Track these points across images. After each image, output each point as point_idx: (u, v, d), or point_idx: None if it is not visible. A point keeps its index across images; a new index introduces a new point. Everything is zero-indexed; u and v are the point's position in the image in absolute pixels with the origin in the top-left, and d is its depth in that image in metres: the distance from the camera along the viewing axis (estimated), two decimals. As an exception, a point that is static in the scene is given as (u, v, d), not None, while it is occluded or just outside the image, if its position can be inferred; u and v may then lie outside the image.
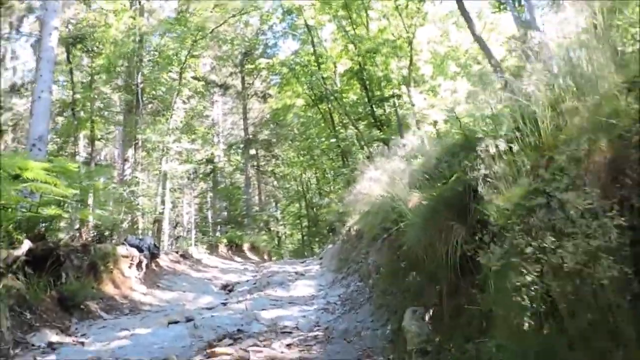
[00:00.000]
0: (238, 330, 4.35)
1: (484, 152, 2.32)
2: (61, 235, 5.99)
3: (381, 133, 14.17)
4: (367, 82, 15.48)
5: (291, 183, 24.78)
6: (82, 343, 4.08)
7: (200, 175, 21.22)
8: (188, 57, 15.00)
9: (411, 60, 14.29)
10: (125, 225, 9.54)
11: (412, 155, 6.45)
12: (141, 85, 14.52)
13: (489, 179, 2.38)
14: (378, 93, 15.55)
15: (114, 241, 6.72)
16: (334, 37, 17.26)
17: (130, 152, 14.35)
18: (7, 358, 3.41)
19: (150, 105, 16.20)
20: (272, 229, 24.25)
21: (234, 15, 17.29)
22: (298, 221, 24.56)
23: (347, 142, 15.67)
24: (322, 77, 15.39)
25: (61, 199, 5.29)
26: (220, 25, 16.66)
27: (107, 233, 6.78)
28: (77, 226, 7.07)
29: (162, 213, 14.04)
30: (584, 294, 1.23)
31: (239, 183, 22.77)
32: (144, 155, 15.65)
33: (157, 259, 7.77)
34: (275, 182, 25.41)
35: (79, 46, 14.19)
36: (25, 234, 4.62)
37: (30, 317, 4.07)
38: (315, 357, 3.52)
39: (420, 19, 14.48)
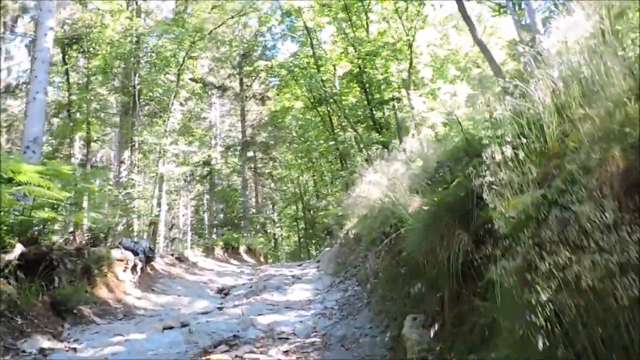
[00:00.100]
0: (234, 336, 4.27)
1: (490, 158, 2.25)
2: (55, 238, 5.89)
3: (380, 136, 14.13)
4: (367, 85, 15.45)
5: (288, 185, 24.71)
6: (75, 349, 3.99)
7: (197, 178, 21.12)
8: (186, 58, 14.92)
9: (411, 63, 14.27)
10: (120, 228, 9.43)
11: (411, 158, 6.41)
12: (138, 87, 14.43)
13: (494, 186, 2.31)
14: (377, 96, 15.52)
15: (108, 244, 6.62)
16: (334, 39, 17.22)
17: (126, 154, 14.25)
18: (-3, 365, 3.32)
19: (147, 107, 16.12)
20: (268, 231, 24.16)
21: (232, 17, 17.24)
22: (295, 223, 24.48)
23: (346, 145, 15.61)
24: (322, 80, 15.34)
25: (55, 202, 5.20)
26: (219, 26, 16.59)
27: (101, 236, 6.67)
28: (71, 229, 6.97)
29: (158, 215, 13.93)
30: (600, 311, 1.17)
31: (236, 185, 22.68)
32: (141, 157, 15.56)
33: (152, 262, 7.67)
34: (272, 185, 25.34)
35: (75, 47, 14.09)
36: (17, 238, 4.53)
37: (22, 323, 3.97)
38: (313, 365, 3.45)
39: (420, 22, 14.48)
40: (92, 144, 16.07)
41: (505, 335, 1.74)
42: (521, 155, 2.32)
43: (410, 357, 3.00)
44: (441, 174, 4.77)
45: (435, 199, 3.81)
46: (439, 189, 4.27)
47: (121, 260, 6.27)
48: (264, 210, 25.35)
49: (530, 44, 2.71)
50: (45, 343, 3.94)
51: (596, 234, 1.22)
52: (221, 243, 14.94)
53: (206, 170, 20.40)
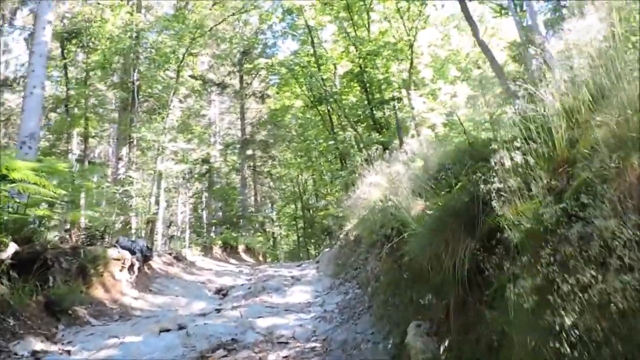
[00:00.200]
0: (232, 339, 4.19)
1: (499, 164, 2.17)
2: (50, 236, 5.80)
3: (380, 136, 14.05)
4: (367, 85, 15.36)
5: (287, 184, 24.62)
6: (69, 352, 3.91)
7: (196, 175, 21.01)
8: (186, 55, 14.80)
9: (412, 64, 14.20)
10: (118, 226, 9.33)
11: (411, 159, 6.33)
12: (137, 83, 14.31)
13: (503, 193, 2.24)
14: (378, 96, 15.44)
15: (105, 243, 6.52)
16: (335, 38, 17.12)
17: (124, 150, 14.15)
18: (-12, 369, 3.23)
19: (146, 104, 16.00)
20: (267, 230, 24.07)
21: (233, 14, 17.13)
22: (294, 222, 24.39)
23: (346, 145, 15.52)
24: (322, 79, 15.24)
25: (50, 199, 5.11)
26: (219, 23, 16.49)
27: (98, 234, 6.58)
28: (67, 227, 6.87)
29: (156, 213, 13.82)
30: (626, 331, 1.09)
31: (235, 183, 22.58)
32: (139, 154, 15.45)
33: (150, 262, 7.58)
34: (271, 183, 25.25)
35: (74, 41, 13.97)
36: (11, 237, 4.44)
37: (14, 324, 3.88)
38: (313, 372, 3.38)
39: (421, 22, 14.39)
40: (90, 140, 15.95)
41: (518, 350, 1.66)
42: (531, 161, 2.24)
43: (414, 366, 2.93)
44: (443, 176, 4.70)
45: (439, 203, 3.73)
46: (443, 193, 4.19)
47: (118, 260, 6.17)
48: (262, 209, 25.25)
49: (541, 46, 2.63)
50: (39, 345, 3.85)
51: (620, 250, 1.14)
52: (220, 242, 14.86)
53: (205, 168, 20.30)
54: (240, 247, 15.82)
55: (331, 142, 16.02)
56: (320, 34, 17.19)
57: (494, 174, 2.31)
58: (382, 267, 5.01)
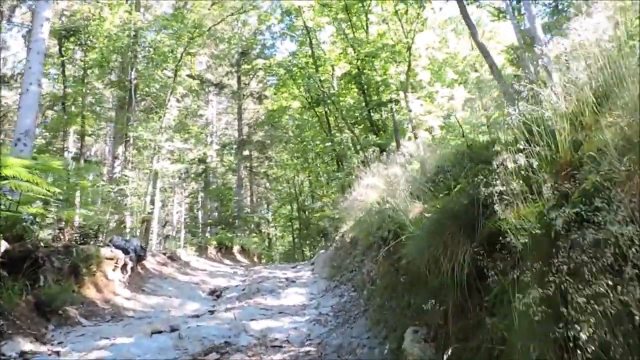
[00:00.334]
0: (225, 342, 4.12)
1: (502, 166, 2.11)
2: (43, 234, 5.70)
3: (377, 138, 14.02)
4: (365, 87, 15.34)
5: (283, 185, 24.56)
6: (58, 353, 3.82)
7: (192, 175, 20.91)
8: (184, 54, 14.72)
9: (409, 66, 14.18)
10: (112, 225, 9.22)
11: (409, 161, 6.29)
12: (135, 82, 14.22)
13: (505, 196, 2.18)
14: (375, 98, 15.41)
15: (98, 242, 6.42)
16: (333, 39, 17.09)
17: (120, 149, 14.04)
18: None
19: (143, 102, 15.91)
20: (263, 230, 23.98)
21: (232, 14, 17.08)
22: (289, 223, 24.32)
23: (343, 146, 15.48)
24: (320, 80, 15.20)
25: (44, 197, 5.02)
26: (218, 23, 16.43)
27: (92, 233, 6.48)
28: (61, 225, 6.76)
29: (151, 213, 13.71)
30: None
31: (231, 184, 22.48)
32: (135, 153, 15.35)
33: (144, 261, 7.48)
34: (267, 184, 25.16)
35: (72, 39, 13.85)
36: (1, 234, 4.35)
37: (2, 324, 3.79)
38: (308, 377, 3.31)
39: (419, 25, 14.39)
40: (87, 138, 15.81)
41: (520, 358, 1.60)
42: (535, 164, 2.19)
43: (411, 373, 2.86)
44: (442, 179, 4.65)
45: (438, 205, 3.67)
46: (441, 195, 4.14)
47: (111, 259, 6.08)
48: (258, 209, 25.16)
49: (546, 47, 2.58)
50: (27, 346, 3.76)
51: (637, 258, 1.08)
52: (215, 242, 14.75)
53: (201, 168, 20.21)
54: (235, 248, 15.72)
55: (328, 144, 15.98)
56: (318, 35, 17.18)
57: (496, 177, 2.25)
58: (379, 270, 4.95)
